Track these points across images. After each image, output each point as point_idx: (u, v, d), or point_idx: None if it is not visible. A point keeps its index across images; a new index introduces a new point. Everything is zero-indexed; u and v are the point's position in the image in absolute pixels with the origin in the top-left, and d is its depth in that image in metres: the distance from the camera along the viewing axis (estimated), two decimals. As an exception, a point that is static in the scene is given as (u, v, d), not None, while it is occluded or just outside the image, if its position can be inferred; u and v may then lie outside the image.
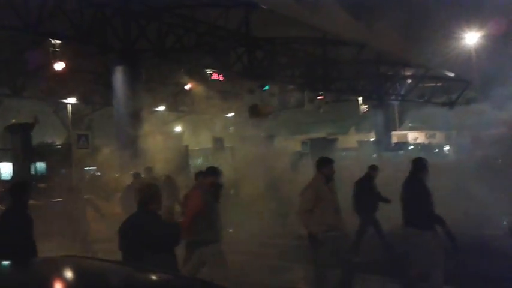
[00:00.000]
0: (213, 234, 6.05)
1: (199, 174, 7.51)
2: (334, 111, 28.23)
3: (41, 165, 14.23)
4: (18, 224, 4.90)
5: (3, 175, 19.94)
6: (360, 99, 27.27)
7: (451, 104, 29.24)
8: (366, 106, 27.64)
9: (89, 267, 2.77)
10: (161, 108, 27.37)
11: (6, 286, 2.39)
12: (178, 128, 31.31)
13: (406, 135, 30.82)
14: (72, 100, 25.45)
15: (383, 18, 22.72)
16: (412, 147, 27.75)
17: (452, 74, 28.93)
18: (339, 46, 21.83)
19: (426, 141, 30.06)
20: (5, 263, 3.33)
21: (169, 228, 4.52)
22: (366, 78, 26.35)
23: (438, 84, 29.48)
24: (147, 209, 4.41)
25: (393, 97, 29.31)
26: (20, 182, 6.53)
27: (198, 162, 19.93)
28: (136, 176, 12.22)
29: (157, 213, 4.47)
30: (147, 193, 4.50)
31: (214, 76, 21.81)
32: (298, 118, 29.33)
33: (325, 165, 6.23)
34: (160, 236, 4.28)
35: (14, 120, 15.36)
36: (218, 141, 17.42)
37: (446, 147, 29.12)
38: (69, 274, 2.61)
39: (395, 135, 30.15)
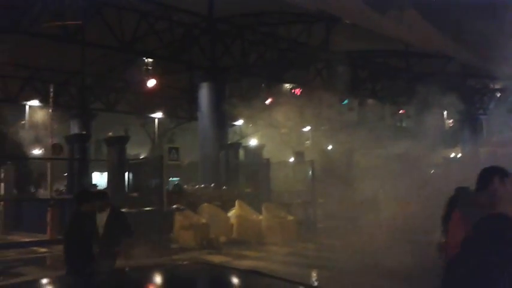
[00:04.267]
0: None
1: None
2: (416, 125, 27.27)
3: (132, 176, 15.04)
4: (76, 232, 5.15)
5: (94, 183, 21.43)
6: (445, 113, 26.16)
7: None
8: (452, 120, 26.46)
9: (219, 274, 2.90)
10: (240, 122, 28.05)
11: None
12: (254, 142, 31.80)
13: (494, 151, 29.01)
14: (159, 114, 26.82)
15: (470, 30, 21.79)
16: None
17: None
18: (424, 59, 21.23)
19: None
20: (128, 270, 3.53)
21: None
22: (452, 91, 25.26)
23: (530, 98, 27.56)
24: None
25: (481, 111, 27.83)
26: (80, 191, 6.67)
27: (278, 175, 20.09)
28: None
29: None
30: None
31: (294, 91, 22.03)
32: (378, 132, 28.66)
33: None
34: None
35: (110, 133, 16.53)
36: (299, 155, 17.57)
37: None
38: (202, 281, 2.75)
39: (483, 152, 28.50)
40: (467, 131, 27.05)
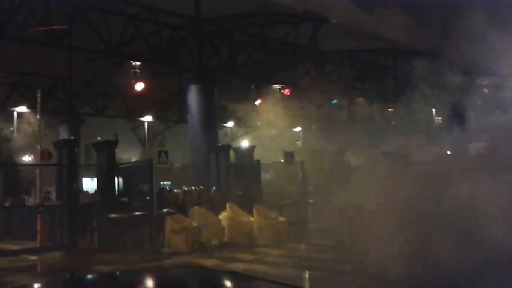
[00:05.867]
0: None
1: None
2: (405, 123, 27.41)
3: (122, 180, 14.94)
4: None
5: (84, 189, 21.27)
6: (434, 110, 26.33)
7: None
8: (440, 118, 26.60)
9: (211, 278, 2.87)
10: (230, 123, 28.02)
11: None
12: (245, 143, 31.77)
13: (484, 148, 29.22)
14: (148, 118, 26.72)
15: (455, 26, 21.96)
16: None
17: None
18: (410, 57, 21.35)
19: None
20: (122, 273, 3.49)
21: None
22: (440, 88, 25.44)
23: (518, 93, 27.79)
24: None
25: (469, 108, 27.99)
26: None
27: (268, 176, 20.09)
28: None
29: None
30: None
31: (283, 91, 22.05)
32: (367, 131, 28.79)
33: None
34: None
35: (99, 138, 16.42)
36: (289, 156, 17.49)
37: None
38: (194, 284, 2.72)
39: (473, 148, 28.70)
40: (456, 128, 27.17)
